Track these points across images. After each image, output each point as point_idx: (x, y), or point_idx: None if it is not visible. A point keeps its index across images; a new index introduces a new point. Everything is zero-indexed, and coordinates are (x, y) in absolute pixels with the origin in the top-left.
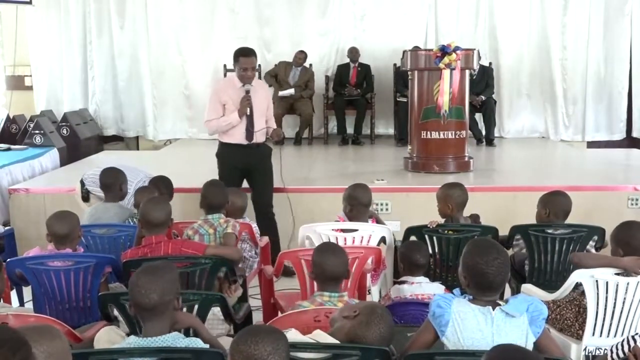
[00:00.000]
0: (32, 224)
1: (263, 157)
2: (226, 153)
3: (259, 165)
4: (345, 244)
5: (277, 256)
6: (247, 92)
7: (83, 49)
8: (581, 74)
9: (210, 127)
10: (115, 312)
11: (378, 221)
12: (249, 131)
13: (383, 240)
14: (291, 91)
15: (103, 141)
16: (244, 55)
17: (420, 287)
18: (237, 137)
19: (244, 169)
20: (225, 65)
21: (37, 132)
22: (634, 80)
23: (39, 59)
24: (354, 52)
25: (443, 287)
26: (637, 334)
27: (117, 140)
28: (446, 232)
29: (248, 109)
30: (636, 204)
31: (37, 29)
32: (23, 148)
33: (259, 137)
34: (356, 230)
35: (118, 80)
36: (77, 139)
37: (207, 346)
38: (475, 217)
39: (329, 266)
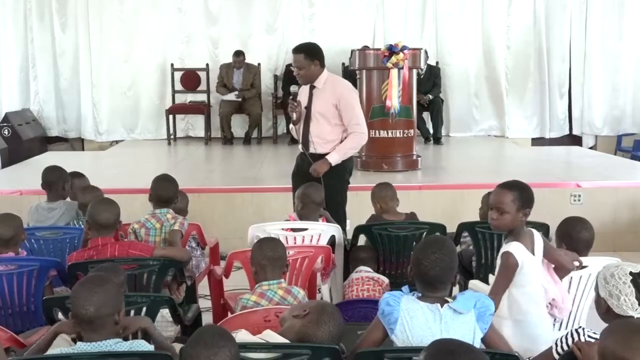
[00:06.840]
0: None
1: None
2: (297, 158)
3: (315, 181)
4: (295, 243)
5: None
6: (292, 96)
7: (24, 48)
8: (524, 73)
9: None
10: (61, 316)
11: (328, 220)
12: (305, 138)
13: (333, 239)
14: (232, 96)
15: (47, 142)
16: (292, 51)
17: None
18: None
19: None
20: (172, 65)
21: None
22: (573, 79)
23: None
24: None
25: None
26: (580, 327)
27: (61, 141)
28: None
29: (294, 115)
30: (579, 200)
31: None
32: None
33: (317, 147)
34: (306, 229)
35: (60, 79)
36: (19, 139)
37: (152, 348)
38: (412, 216)
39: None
